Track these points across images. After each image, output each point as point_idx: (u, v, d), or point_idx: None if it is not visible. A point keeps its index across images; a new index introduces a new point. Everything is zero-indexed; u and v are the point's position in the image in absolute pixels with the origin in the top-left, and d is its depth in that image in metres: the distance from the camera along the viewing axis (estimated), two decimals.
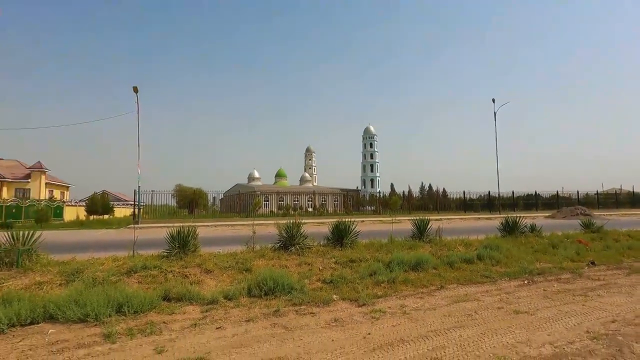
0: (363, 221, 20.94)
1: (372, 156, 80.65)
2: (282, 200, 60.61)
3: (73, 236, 14.79)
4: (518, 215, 11.84)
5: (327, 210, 49.72)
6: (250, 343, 3.55)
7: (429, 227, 9.64)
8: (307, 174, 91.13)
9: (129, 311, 4.37)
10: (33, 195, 36.57)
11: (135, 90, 21.84)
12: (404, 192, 45.06)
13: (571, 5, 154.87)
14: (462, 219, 25.60)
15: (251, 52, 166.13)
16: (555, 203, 39.44)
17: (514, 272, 6.76)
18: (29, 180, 38.38)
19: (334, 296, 5.18)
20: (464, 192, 39.08)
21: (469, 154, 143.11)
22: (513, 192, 39.98)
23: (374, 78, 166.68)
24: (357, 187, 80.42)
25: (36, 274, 5.67)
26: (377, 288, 5.67)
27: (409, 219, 11.47)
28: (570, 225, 14.98)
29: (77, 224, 23.70)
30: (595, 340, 3.55)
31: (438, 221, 13.84)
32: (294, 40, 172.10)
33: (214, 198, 41.18)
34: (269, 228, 13.01)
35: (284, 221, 8.70)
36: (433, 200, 44.98)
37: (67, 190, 46.23)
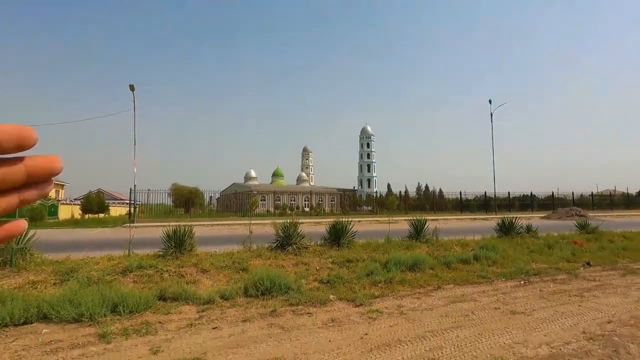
0: (360, 221, 20.94)
1: (369, 156, 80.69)
2: (279, 200, 60.46)
3: (68, 235, 14.67)
4: (514, 215, 11.89)
5: (324, 210, 49.70)
6: (246, 343, 3.53)
7: (425, 227, 9.65)
8: (304, 174, 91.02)
9: (124, 311, 4.33)
10: None
11: (132, 88, 21.72)
12: (400, 192, 45.22)
13: (569, 5, 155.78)
14: (458, 219, 25.69)
15: (249, 52, 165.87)
16: (550, 204, 39.67)
17: (510, 272, 6.77)
18: None
19: (331, 296, 5.16)
20: (460, 192, 39.24)
21: (466, 155, 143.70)
22: (509, 193, 40.19)
23: (371, 78, 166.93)
24: (354, 187, 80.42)
25: (30, 273, 5.61)
26: (374, 288, 5.66)
27: (405, 219, 11.48)
28: (565, 226, 15.07)
29: (72, 223, 23.53)
30: (591, 340, 3.56)
31: (435, 221, 13.87)
32: (291, 40, 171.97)
33: (211, 197, 41.04)
34: (266, 227, 12.98)
35: (280, 221, 8.68)
36: (429, 201, 45.10)
37: (62, 189, 45.84)
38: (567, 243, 9.74)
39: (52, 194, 40.92)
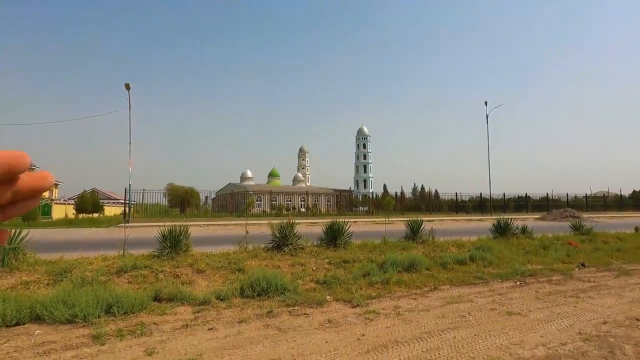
0: (356, 222, 20.95)
1: (365, 157, 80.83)
2: (275, 200, 60.35)
3: (61, 235, 14.52)
4: (509, 217, 11.95)
5: (320, 211, 49.66)
6: (243, 344, 3.50)
7: (422, 228, 9.67)
8: (300, 174, 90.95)
9: (118, 312, 4.29)
10: None
11: (127, 87, 21.58)
12: (396, 193, 45.32)
13: (567, 5, 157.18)
14: (454, 220, 25.79)
15: (246, 52, 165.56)
16: (545, 205, 39.95)
17: (506, 273, 6.80)
18: None
19: (328, 297, 5.14)
20: (456, 193, 39.41)
21: (461, 156, 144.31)
22: (504, 194, 40.42)
23: (368, 78, 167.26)
24: (350, 188, 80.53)
25: (23, 274, 5.53)
26: (370, 289, 5.65)
27: (401, 220, 11.49)
28: (560, 227, 15.17)
29: (66, 223, 23.31)
30: (587, 341, 3.57)
31: (430, 222, 13.89)
32: (289, 40, 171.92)
33: (206, 197, 40.90)
34: (262, 228, 12.93)
35: (277, 221, 8.65)
36: (425, 201, 45.28)
37: (55, 188, 45.41)
38: (562, 244, 9.80)
39: (45, 193, 40.59)
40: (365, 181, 79.42)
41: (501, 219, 11.22)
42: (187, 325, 4.03)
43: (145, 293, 4.86)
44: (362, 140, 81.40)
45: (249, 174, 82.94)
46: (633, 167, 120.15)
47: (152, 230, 8.94)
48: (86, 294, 4.46)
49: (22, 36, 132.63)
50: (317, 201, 65.39)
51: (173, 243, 6.89)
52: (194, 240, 7.70)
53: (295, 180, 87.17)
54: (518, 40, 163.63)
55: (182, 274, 5.86)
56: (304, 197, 61.59)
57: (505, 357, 3.23)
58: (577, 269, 7.45)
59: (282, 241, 7.73)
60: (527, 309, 4.69)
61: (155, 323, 4.10)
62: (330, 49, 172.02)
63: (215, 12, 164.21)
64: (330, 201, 66.76)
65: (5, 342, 3.54)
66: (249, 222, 16.47)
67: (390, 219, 18.33)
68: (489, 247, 8.54)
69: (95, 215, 33.47)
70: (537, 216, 29.69)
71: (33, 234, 7.29)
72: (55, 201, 34.11)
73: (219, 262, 6.49)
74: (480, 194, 39.31)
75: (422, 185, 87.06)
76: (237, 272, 6.13)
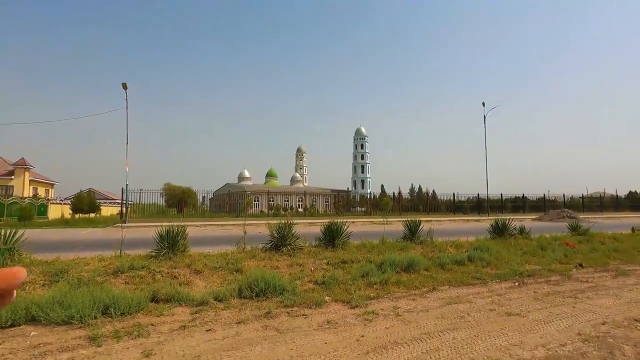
0: (354, 222, 20.94)
1: (362, 157, 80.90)
2: (273, 201, 60.27)
3: (58, 235, 14.42)
4: (507, 217, 11.97)
5: (318, 211, 49.64)
6: (241, 346, 3.47)
7: (420, 228, 9.67)
8: (297, 174, 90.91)
9: (115, 313, 4.25)
10: (16, 192, 35.60)
11: (125, 87, 21.48)
12: (394, 193, 45.25)
13: (566, 5, 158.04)
14: (451, 220, 25.84)
15: (243, 52, 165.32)
16: (542, 206, 40.12)
17: (504, 273, 6.80)
18: (12, 177, 37.32)
19: (326, 298, 5.12)
20: (453, 194, 39.48)
21: (459, 156, 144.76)
22: (501, 195, 40.55)
23: (366, 78, 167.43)
24: (348, 188, 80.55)
25: None
26: (369, 289, 5.63)
27: (399, 220, 11.49)
28: (557, 227, 15.23)
29: (62, 223, 23.17)
30: (586, 342, 3.56)
31: (428, 222, 13.91)
32: (286, 40, 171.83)
33: (204, 197, 40.87)
34: (260, 228, 12.90)
35: (275, 221, 8.62)
36: (423, 202, 45.36)
37: (51, 188, 45.14)
38: (559, 245, 9.83)
39: (42, 193, 40.31)
40: (363, 181, 79.50)
41: (499, 220, 11.25)
42: (184, 327, 3.99)
43: (142, 294, 4.82)
44: (359, 140, 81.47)
45: (247, 174, 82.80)
46: (629, 168, 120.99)
47: (149, 230, 8.88)
48: (82, 294, 4.42)
49: (21, 35, 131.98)
50: (315, 201, 65.35)
51: (170, 243, 6.85)
52: (192, 240, 7.66)
53: (293, 180, 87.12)
54: (517, 40, 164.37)
55: (179, 275, 5.83)
56: (301, 198, 61.56)
57: (505, 358, 3.21)
58: (575, 270, 7.47)
59: (281, 241, 7.71)
60: (526, 310, 4.69)
61: (152, 324, 4.06)
62: (328, 49, 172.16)
63: (213, 12, 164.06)
64: (328, 201, 66.76)
65: (0, 344, 3.49)
66: (246, 222, 16.43)
67: (388, 220, 18.35)
68: (487, 247, 8.55)
69: (92, 215, 33.28)
70: (534, 217, 29.81)
71: (29, 234, 7.22)
72: (51, 201, 33.90)
73: (217, 262, 6.45)
74: (478, 195, 39.47)
75: (420, 186, 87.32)
76: (235, 273, 6.10)
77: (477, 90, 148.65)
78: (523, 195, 42.46)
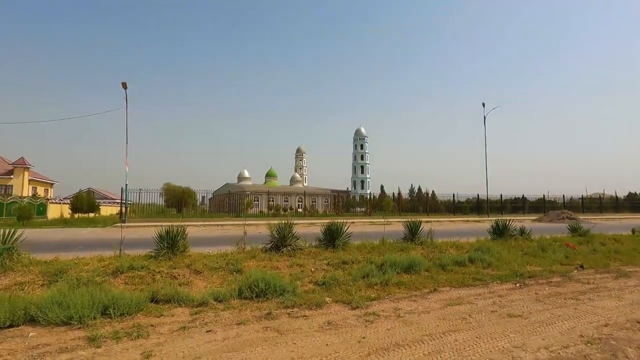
0: (354, 222, 20.91)
1: (362, 157, 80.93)
2: (273, 201, 60.24)
3: (57, 235, 14.38)
4: (507, 218, 11.95)
5: (317, 211, 49.64)
6: (241, 347, 3.44)
7: (420, 229, 9.64)
8: (297, 175, 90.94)
9: (114, 313, 4.22)
10: (15, 192, 35.54)
11: (124, 86, 21.42)
12: (393, 193, 45.18)
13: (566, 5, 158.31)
14: (451, 221, 25.81)
15: (243, 51, 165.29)
16: (542, 207, 40.06)
17: (505, 275, 6.78)
18: (12, 176, 37.27)
19: (327, 298, 5.09)
20: (453, 194, 39.38)
21: (459, 157, 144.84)
22: (501, 196, 40.48)
23: (366, 79, 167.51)
24: (347, 189, 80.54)
25: (17, 274, 5.44)
26: (370, 290, 5.61)
27: (399, 221, 11.47)
28: (557, 228, 15.22)
29: (62, 222, 23.11)
30: (589, 344, 3.54)
31: (428, 223, 13.89)
32: (288, 40, 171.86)
33: (203, 197, 40.77)
34: (259, 228, 12.87)
35: (275, 221, 8.59)
36: (423, 203, 45.32)
37: (51, 188, 45.07)
38: (559, 246, 9.81)
39: (41, 193, 40.25)
40: (362, 182, 79.51)
41: (499, 221, 11.23)
42: (184, 328, 3.96)
43: (142, 294, 4.79)
44: (359, 141, 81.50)
45: (246, 174, 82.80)
46: (629, 169, 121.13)
47: (149, 230, 8.86)
48: (82, 295, 4.38)
49: (20, 34, 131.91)
50: (315, 202, 65.33)
51: (170, 243, 6.82)
52: (191, 240, 7.63)
53: (293, 180, 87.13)
54: (518, 39, 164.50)
55: (179, 275, 5.80)
56: (301, 198, 61.55)
57: None
58: (575, 271, 7.45)
59: (281, 242, 7.68)
60: (527, 311, 4.66)
61: (152, 325, 4.03)
62: (329, 49, 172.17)
63: (213, 12, 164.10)
64: (327, 202, 66.73)
65: None
66: (246, 222, 16.40)
67: (388, 220, 18.34)
68: (488, 248, 8.52)
69: (91, 215, 33.21)
70: (533, 217, 29.79)
71: (28, 233, 7.19)
72: (50, 201, 33.83)
73: (217, 262, 6.42)
74: (478, 195, 39.40)
75: (419, 187, 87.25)
76: (235, 273, 6.07)
77: (477, 91, 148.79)
78: (523, 196, 42.43)
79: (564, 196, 43.09)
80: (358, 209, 49.07)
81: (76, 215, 30.95)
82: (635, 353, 3.35)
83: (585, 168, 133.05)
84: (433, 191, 55.80)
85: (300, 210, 50.80)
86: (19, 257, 6.08)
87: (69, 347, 3.41)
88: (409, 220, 9.86)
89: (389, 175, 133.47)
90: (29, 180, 38.89)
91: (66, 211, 32.52)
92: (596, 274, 7.19)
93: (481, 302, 5.11)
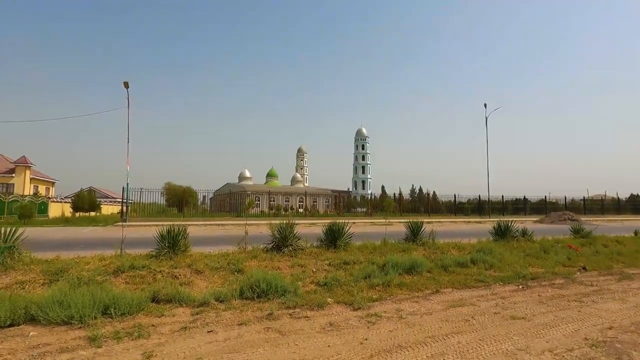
0: (355, 223, 20.87)
1: (363, 158, 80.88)
2: (274, 201, 60.26)
3: (58, 233, 14.38)
4: (508, 219, 11.90)
5: (318, 212, 49.61)
6: (243, 348, 3.42)
7: (422, 229, 9.60)
8: (298, 175, 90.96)
9: (115, 313, 4.20)
10: (17, 190, 35.61)
11: (126, 85, 21.42)
12: (394, 194, 45.18)
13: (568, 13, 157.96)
14: (452, 222, 25.76)
15: (243, 51, 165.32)
16: (543, 208, 39.95)
17: (507, 276, 6.74)
18: (13, 175, 37.35)
19: (329, 299, 5.07)
20: (454, 195, 39.31)
21: (460, 157, 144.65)
22: (503, 197, 40.38)
23: (367, 79, 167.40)
24: (348, 189, 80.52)
25: (18, 273, 5.43)
26: (372, 291, 5.58)
27: (400, 221, 11.44)
28: (559, 230, 15.16)
29: (63, 221, 23.13)
30: (594, 347, 3.51)
31: (429, 224, 13.82)
32: (289, 39, 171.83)
33: (204, 197, 40.76)
34: (260, 228, 12.84)
35: (276, 221, 8.56)
36: (424, 203, 45.24)
37: (52, 186, 45.15)
38: (562, 247, 9.77)
39: (42, 191, 40.32)
40: (363, 182, 79.46)
41: (501, 222, 11.19)
42: (185, 328, 3.94)
43: (142, 294, 4.77)
44: (360, 141, 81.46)
45: (247, 173, 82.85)
46: (630, 171, 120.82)
47: (150, 229, 8.84)
48: (82, 294, 4.36)
49: (22, 33, 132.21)
50: (316, 202, 65.34)
51: (171, 243, 6.79)
52: (192, 240, 7.61)
53: (294, 180, 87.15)
54: (519, 40, 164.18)
55: (180, 275, 5.78)
56: (302, 198, 61.54)
57: None
58: (578, 273, 7.41)
59: (282, 242, 7.65)
60: (531, 314, 4.63)
61: (153, 325, 4.01)
62: (330, 49, 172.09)
63: (215, 11, 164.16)
64: (328, 202, 66.74)
65: None
66: (247, 222, 16.38)
67: (389, 220, 18.29)
68: (490, 249, 8.48)
69: (92, 213, 33.24)
70: (535, 219, 29.70)
71: (29, 232, 7.18)
72: (51, 199, 33.88)
73: (218, 262, 6.40)
74: (479, 196, 39.31)
75: (420, 187, 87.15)
76: (236, 273, 6.04)
77: (477, 91, 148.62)
78: (524, 197, 42.35)
79: (565, 197, 42.95)
80: (359, 210, 49.01)
81: (77, 214, 30.97)
82: None
83: (586, 168, 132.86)
84: (434, 192, 55.69)
85: (301, 210, 50.76)
86: (20, 256, 6.07)
87: (69, 346, 3.39)
88: (411, 220, 9.83)
89: (389, 175, 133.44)
90: (31, 178, 38.96)
91: (67, 210, 32.56)
92: (599, 276, 7.15)
93: (484, 304, 5.08)
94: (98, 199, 37.79)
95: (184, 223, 7.83)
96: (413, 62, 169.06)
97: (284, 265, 6.71)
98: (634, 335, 3.89)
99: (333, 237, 8.32)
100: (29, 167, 38.68)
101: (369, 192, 64.14)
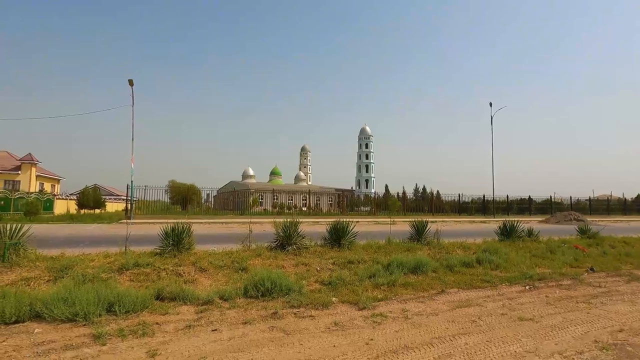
0: (358, 222, 20.78)
1: (367, 157, 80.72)
2: (277, 199, 60.35)
3: (63, 230, 14.44)
4: (514, 219, 11.80)
5: (322, 210, 49.63)
6: (248, 347, 3.39)
7: (427, 229, 9.53)
8: (301, 173, 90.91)
9: (120, 311, 4.18)
10: (23, 187, 35.88)
11: (131, 83, 21.47)
12: (398, 193, 45.20)
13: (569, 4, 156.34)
14: (456, 221, 25.60)
15: (248, 49, 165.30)
16: (548, 208, 39.68)
17: (514, 277, 6.67)
18: (19, 172, 37.65)
19: (333, 299, 5.03)
20: (459, 194, 39.13)
21: (464, 157, 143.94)
22: (507, 196, 40.17)
23: (372, 78, 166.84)
24: (352, 187, 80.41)
25: (23, 270, 5.44)
26: (376, 291, 5.53)
27: (404, 221, 11.37)
28: (564, 230, 15.01)
29: (68, 218, 23.26)
30: (604, 350, 3.44)
31: (433, 223, 13.74)
32: (292, 38, 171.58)
33: (208, 195, 40.82)
34: (264, 226, 12.83)
35: (280, 220, 8.53)
36: (428, 202, 45.01)
37: (57, 183, 45.44)
38: (568, 248, 9.66)
39: (48, 188, 40.59)
40: (367, 181, 79.32)
41: (507, 221, 11.09)
42: (190, 326, 3.92)
43: (147, 292, 4.76)
44: (364, 140, 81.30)
45: (251, 172, 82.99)
46: (635, 171, 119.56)
47: (154, 227, 8.84)
48: (87, 291, 4.35)
49: (27, 31, 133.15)
50: (319, 200, 65.31)
51: (175, 241, 6.78)
52: (196, 238, 7.58)
53: (297, 179, 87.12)
54: (522, 38, 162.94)
55: (184, 273, 5.76)
56: (305, 196, 61.54)
57: None
58: (586, 274, 7.31)
59: (286, 240, 7.62)
60: (538, 315, 4.56)
61: (157, 323, 3.99)
62: (334, 47, 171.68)
63: (218, 9, 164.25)
64: (331, 200, 66.67)
65: (4, 340, 3.44)
66: (251, 220, 16.37)
67: (393, 220, 18.22)
68: (495, 249, 8.39)
69: (97, 211, 33.39)
70: (540, 219, 29.47)
71: (34, 229, 7.20)
72: (57, 196, 34.10)
73: (222, 260, 6.38)
74: (484, 196, 39.08)
75: (424, 186, 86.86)
76: (240, 272, 6.02)
77: (483, 91, 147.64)
78: (529, 197, 42.05)
79: (570, 197, 42.65)
80: (362, 208, 48.96)
81: (82, 211, 31.14)
82: None
83: (590, 168, 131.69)
84: (438, 191, 55.42)
85: (304, 208, 50.76)
86: (25, 253, 6.08)
87: (74, 344, 3.38)
88: (415, 220, 9.76)
89: (391, 174, 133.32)
90: (36, 175, 39.25)
91: (72, 207, 32.78)
92: (607, 277, 7.05)
93: (490, 305, 5.02)
94: (103, 197, 37.92)
95: (188, 221, 7.83)
96: (416, 62, 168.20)
97: (288, 263, 6.68)
98: None
99: (337, 236, 8.28)
100: (35, 164, 38.95)
101: (373, 191, 64.06)
